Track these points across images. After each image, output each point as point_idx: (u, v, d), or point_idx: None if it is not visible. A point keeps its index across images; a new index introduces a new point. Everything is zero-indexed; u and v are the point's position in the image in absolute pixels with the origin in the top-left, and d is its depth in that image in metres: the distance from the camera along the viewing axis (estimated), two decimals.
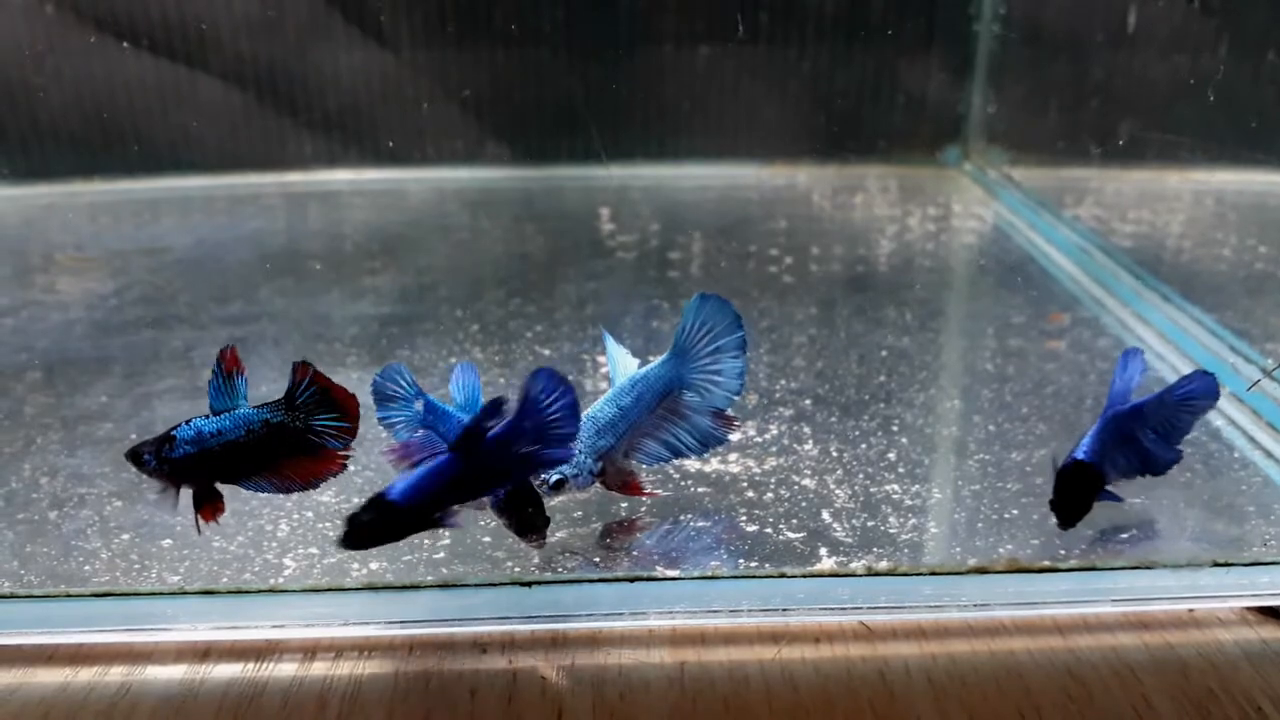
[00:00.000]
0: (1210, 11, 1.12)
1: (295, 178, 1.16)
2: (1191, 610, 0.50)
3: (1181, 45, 1.14)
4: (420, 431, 0.52)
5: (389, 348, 0.74)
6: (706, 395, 0.56)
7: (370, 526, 0.45)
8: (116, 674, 0.47)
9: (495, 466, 0.47)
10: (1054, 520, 0.51)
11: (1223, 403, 0.64)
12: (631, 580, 0.49)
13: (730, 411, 0.56)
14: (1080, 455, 0.51)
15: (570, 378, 0.47)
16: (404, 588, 0.49)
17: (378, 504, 0.46)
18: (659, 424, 0.56)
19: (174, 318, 0.81)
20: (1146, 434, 0.53)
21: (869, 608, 0.49)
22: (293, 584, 0.50)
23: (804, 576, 0.49)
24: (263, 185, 1.14)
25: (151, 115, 1.16)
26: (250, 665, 0.48)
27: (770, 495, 0.56)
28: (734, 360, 0.56)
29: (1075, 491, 0.50)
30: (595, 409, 0.55)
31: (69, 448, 0.62)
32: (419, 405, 0.52)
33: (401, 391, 0.53)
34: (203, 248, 0.97)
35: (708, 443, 0.56)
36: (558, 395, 0.46)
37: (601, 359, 0.70)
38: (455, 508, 0.47)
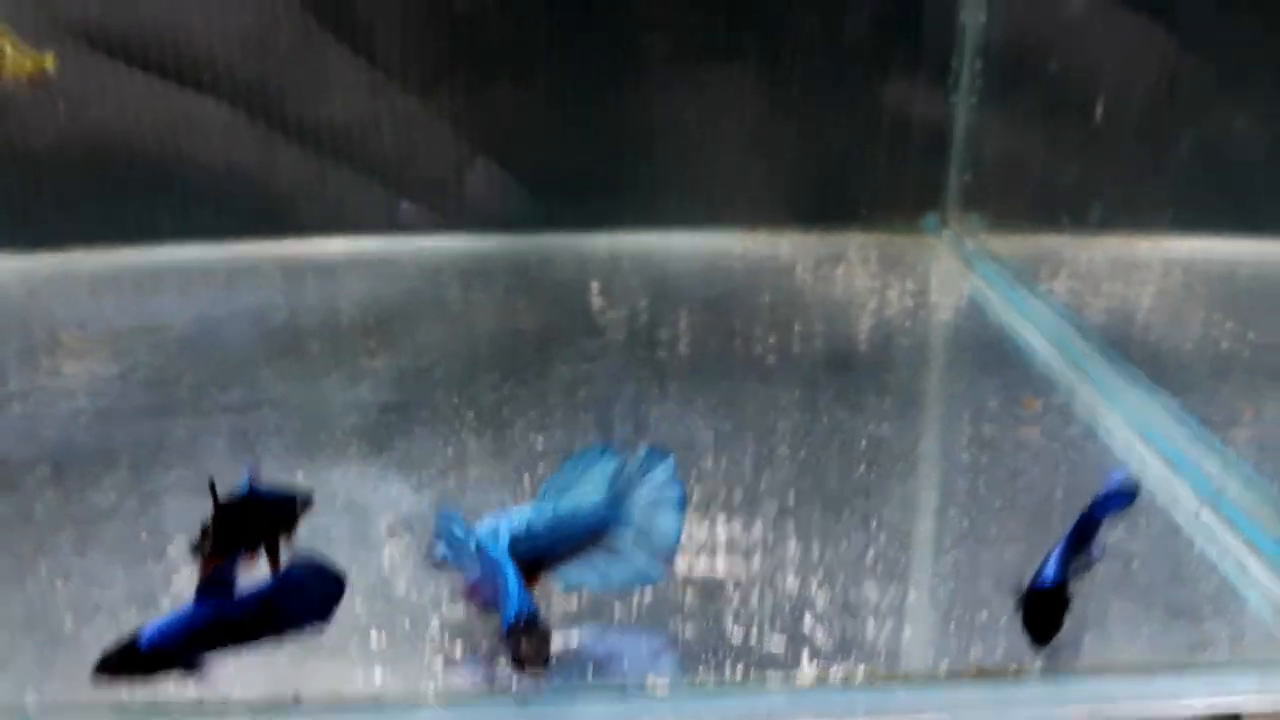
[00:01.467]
0: (1179, 85, 1.16)
1: (292, 248, 1.19)
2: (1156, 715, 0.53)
3: (1152, 117, 1.18)
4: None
5: (388, 438, 0.77)
6: (642, 539, 0.57)
7: (113, 663, 0.50)
8: None
9: (245, 620, 0.51)
10: (1025, 632, 0.54)
11: (1183, 501, 0.67)
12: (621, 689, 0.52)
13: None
14: (1049, 576, 0.54)
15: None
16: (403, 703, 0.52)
17: (125, 644, 0.50)
18: (586, 550, 0.56)
19: (177, 404, 0.83)
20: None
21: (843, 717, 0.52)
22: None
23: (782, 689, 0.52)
24: (260, 255, 1.17)
25: (150, 182, 1.19)
26: None
27: (752, 598, 0.58)
28: (672, 516, 0.57)
29: (1049, 614, 0.53)
30: (523, 511, 0.56)
31: (80, 549, 0.64)
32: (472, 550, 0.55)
33: (458, 541, 0.55)
34: (203, 324, 0.99)
35: (637, 580, 0.57)
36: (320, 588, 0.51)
37: None
38: (204, 655, 0.51)
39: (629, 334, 0.97)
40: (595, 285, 1.09)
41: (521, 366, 0.89)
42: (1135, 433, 0.76)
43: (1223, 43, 1.14)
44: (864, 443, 0.75)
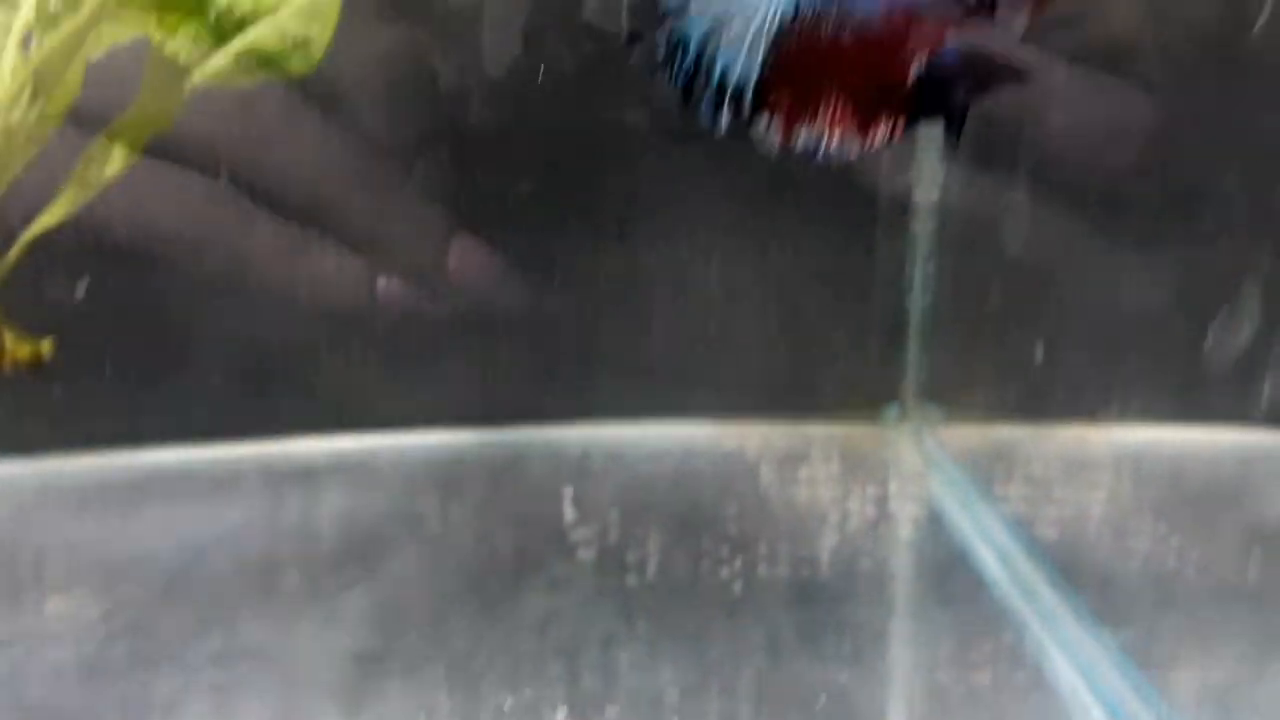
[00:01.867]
0: (1125, 277, 1.22)
1: (273, 450, 1.22)
2: None
3: (1100, 308, 1.24)
4: None
5: (363, 697, 0.79)
6: None
7: None
8: None
9: None
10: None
11: None
12: None
13: None
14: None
15: None
16: None
17: None
18: None
19: (161, 655, 0.86)
20: None
21: None
22: None
23: None
24: (242, 461, 1.20)
25: (131, 387, 1.23)
26: None
27: None
28: None
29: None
30: None
31: None
32: None
33: None
34: (184, 554, 1.02)
35: None
36: None
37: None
38: None
39: (599, 553, 1.01)
40: (568, 493, 1.12)
41: (494, 600, 0.92)
42: (1081, 678, 0.79)
43: (1166, 244, 1.20)
44: (823, 699, 0.78)
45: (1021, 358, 1.25)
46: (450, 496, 1.14)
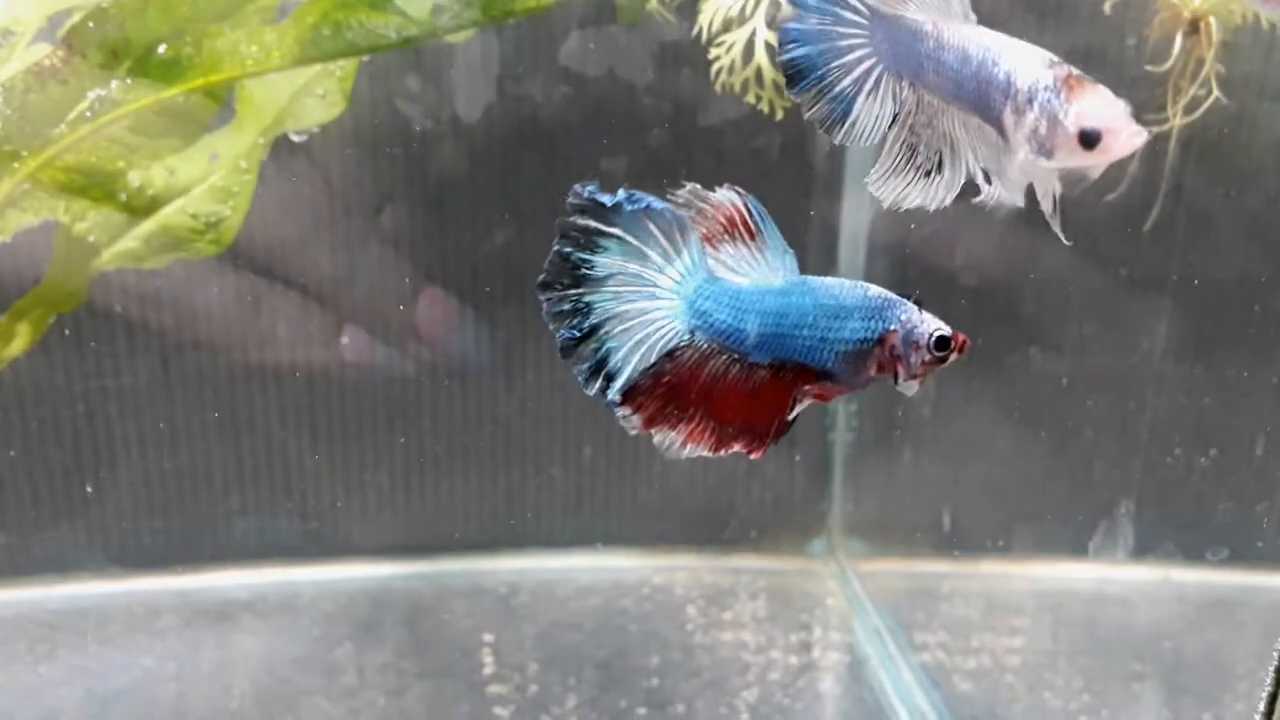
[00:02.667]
0: (1035, 412, 1.25)
1: (193, 584, 1.20)
2: None
3: (1012, 444, 1.27)
4: None
5: None
6: None
7: None
8: None
9: None
10: None
11: None
12: None
13: None
14: None
15: None
16: None
17: None
18: None
19: None
20: None
21: None
22: None
23: None
24: (160, 596, 1.18)
25: (55, 513, 1.20)
26: None
27: None
28: None
29: None
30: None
31: None
32: None
33: None
34: (90, 706, 0.99)
35: None
36: None
37: None
38: None
39: (515, 712, 0.99)
40: (489, 640, 1.11)
41: None
42: None
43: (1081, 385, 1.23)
44: None
45: (941, 493, 1.27)
46: (368, 643, 1.12)
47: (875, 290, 0.48)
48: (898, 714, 0.98)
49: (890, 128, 0.51)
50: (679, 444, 0.49)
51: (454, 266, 1.19)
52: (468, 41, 1.02)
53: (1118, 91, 0.48)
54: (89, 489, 1.19)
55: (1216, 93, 0.78)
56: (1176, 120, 0.79)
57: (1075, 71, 0.47)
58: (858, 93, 0.50)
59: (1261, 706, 0.52)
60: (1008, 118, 0.47)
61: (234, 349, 1.17)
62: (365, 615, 1.17)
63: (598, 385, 0.48)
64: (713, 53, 0.79)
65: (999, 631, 1.12)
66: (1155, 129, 0.79)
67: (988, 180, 0.50)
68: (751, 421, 0.48)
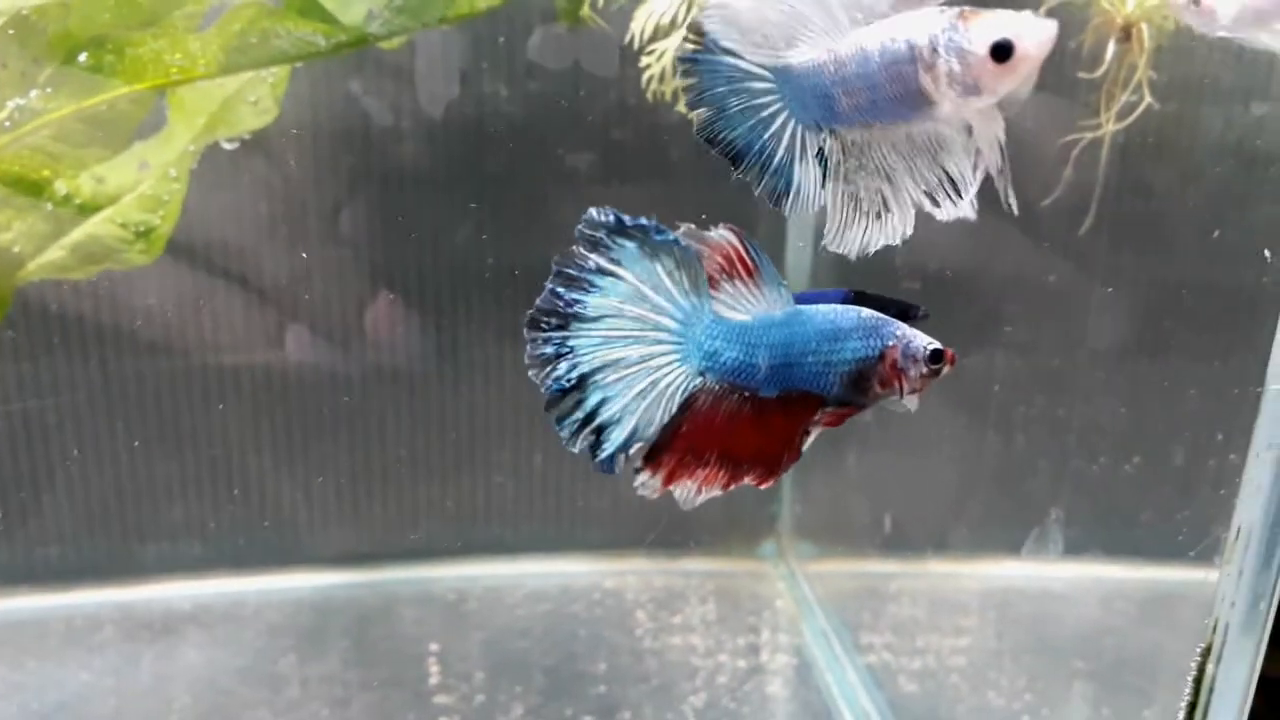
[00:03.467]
0: (978, 414, 1.26)
1: (135, 596, 1.18)
2: None
3: (955, 446, 1.27)
4: None
5: None
6: None
7: None
8: None
9: None
10: None
11: None
12: None
13: None
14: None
15: None
16: None
17: None
18: None
19: None
20: None
21: None
22: None
23: None
24: (101, 609, 1.16)
25: None
26: None
27: None
28: None
29: None
30: None
31: None
32: None
33: None
34: None
35: None
36: None
37: None
38: None
39: None
40: (434, 648, 1.10)
41: None
42: None
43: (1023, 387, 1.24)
44: None
45: (887, 494, 1.28)
46: (313, 653, 1.10)
47: (866, 312, 0.49)
48: (842, 716, 0.98)
49: (823, 186, 0.50)
50: (694, 493, 0.48)
51: (405, 268, 1.18)
52: (429, 36, 1.00)
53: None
54: (27, 500, 1.17)
55: (1149, 99, 0.78)
56: (1110, 126, 0.79)
57: (966, 7, 0.47)
58: (792, 160, 0.50)
59: (1181, 717, 0.53)
60: (924, 80, 0.47)
61: (175, 355, 1.16)
62: (311, 625, 1.15)
63: (586, 442, 0.47)
64: (643, 61, 0.78)
65: (944, 631, 1.12)
66: (1090, 135, 0.80)
67: (935, 203, 0.50)
68: (764, 454, 0.48)
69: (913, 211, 0.50)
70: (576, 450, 0.47)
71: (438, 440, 1.23)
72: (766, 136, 0.50)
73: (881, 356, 0.48)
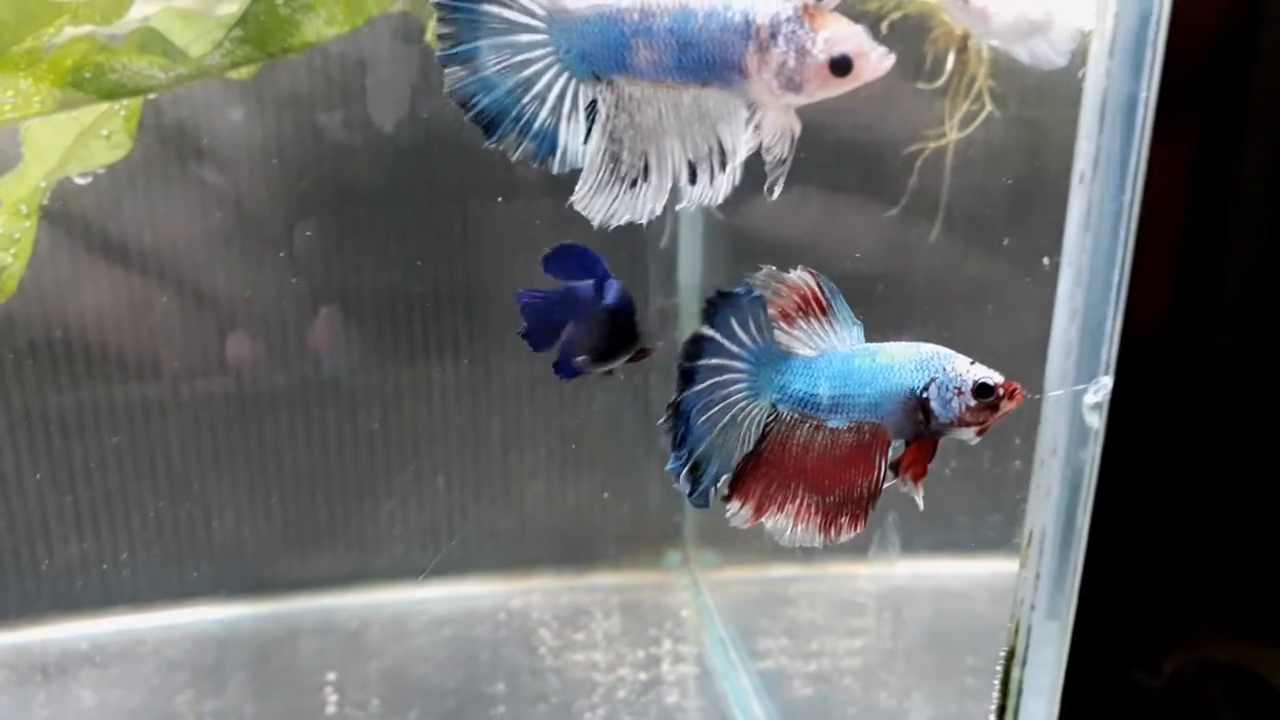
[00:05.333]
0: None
1: (27, 638, 1.16)
2: None
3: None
4: None
5: None
6: None
7: None
8: None
9: None
10: None
11: None
12: None
13: None
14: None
15: None
16: None
17: None
18: None
19: None
20: None
21: None
22: None
23: None
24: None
25: None
26: None
27: None
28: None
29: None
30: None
31: None
32: None
33: None
34: None
35: None
36: None
37: None
38: None
39: None
40: (332, 678, 1.10)
41: None
42: None
43: None
44: None
45: None
46: (209, 689, 1.09)
47: (930, 347, 0.51)
48: None
49: (586, 141, 0.48)
50: (790, 528, 0.50)
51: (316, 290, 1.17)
52: (377, 52, 1.00)
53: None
54: None
55: (990, 107, 0.81)
56: (953, 135, 0.82)
57: (811, 2, 0.46)
58: (558, 120, 0.48)
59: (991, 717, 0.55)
60: (750, 59, 0.46)
61: (65, 388, 1.14)
62: (209, 660, 1.14)
63: (686, 483, 0.51)
64: None
65: (839, 633, 1.14)
66: (934, 144, 0.82)
67: (692, 180, 0.49)
68: (849, 489, 0.50)
69: (669, 185, 0.49)
70: (688, 495, 0.52)
71: (338, 466, 1.23)
72: (527, 100, 0.48)
73: (926, 389, 0.50)
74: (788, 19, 0.46)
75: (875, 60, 0.46)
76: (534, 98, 0.48)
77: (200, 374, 1.17)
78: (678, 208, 0.49)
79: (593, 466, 1.28)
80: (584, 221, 1.33)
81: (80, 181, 0.79)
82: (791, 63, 0.46)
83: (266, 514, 1.21)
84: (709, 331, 0.49)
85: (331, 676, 1.09)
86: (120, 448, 1.17)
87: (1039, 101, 0.80)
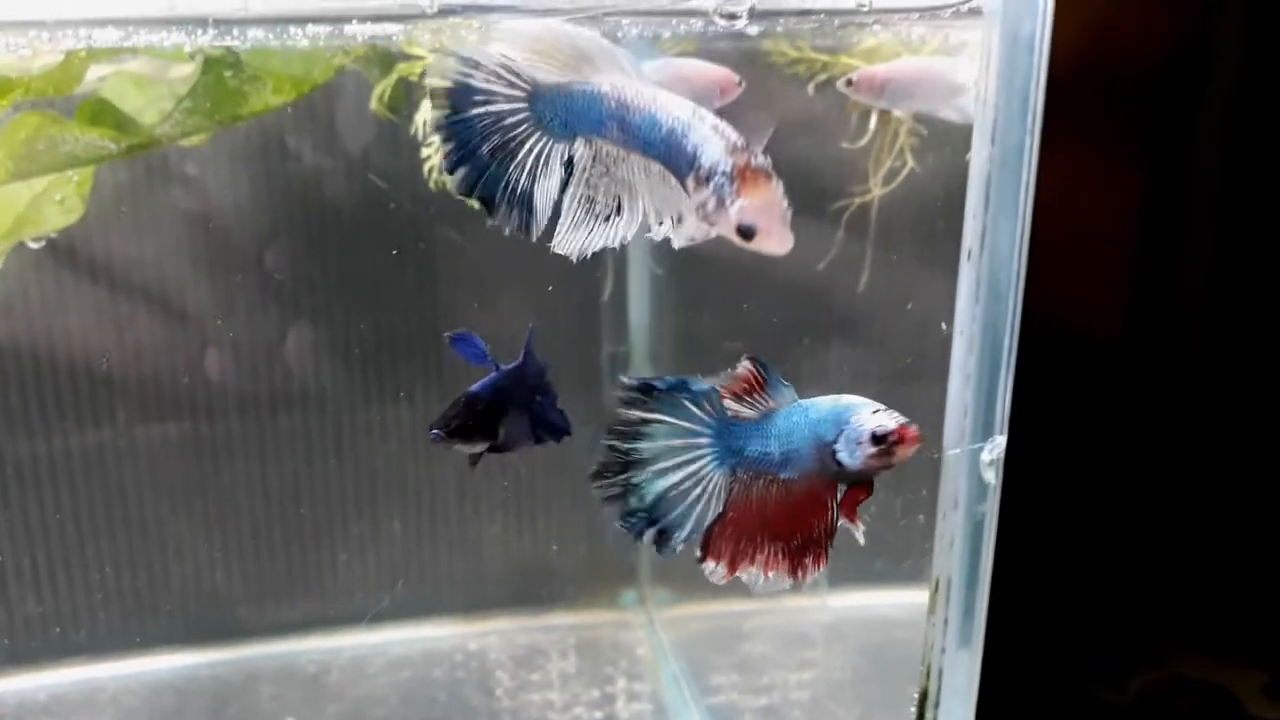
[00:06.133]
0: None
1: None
2: None
3: None
4: None
5: None
6: None
7: None
8: None
9: None
10: None
11: None
12: None
13: None
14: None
15: None
16: None
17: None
18: None
19: None
20: None
21: None
22: None
23: None
24: None
25: None
26: None
27: None
28: None
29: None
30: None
31: None
32: None
33: None
34: None
35: None
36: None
37: None
38: None
39: None
40: None
41: None
42: None
43: None
44: None
45: None
46: None
47: (848, 399, 0.56)
48: None
49: (564, 191, 0.54)
50: (761, 578, 0.55)
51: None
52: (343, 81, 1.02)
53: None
54: None
55: (911, 163, 0.85)
56: (877, 190, 0.86)
57: (755, 162, 0.51)
58: (534, 183, 0.54)
59: None
60: (689, 183, 0.52)
61: (19, 439, 1.15)
62: (169, 706, 1.15)
63: (650, 539, 0.57)
64: (423, 153, 0.83)
65: (789, 666, 1.17)
66: (859, 199, 0.86)
67: (659, 221, 0.55)
68: (808, 532, 0.55)
69: (639, 220, 0.55)
70: (640, 541, 0.57)
71: (293, 510, 1.24)
72: (512, 166, 0.54)
73: (835, 440, 0.54)
74: (722, 172, 0.51)
75: (775, 242, 0.51)
76: (516, 165, 0.54)
77: (156, 421, 1.18)
78: (646, 236, 0.54)
79: (548, 509, 1.31)
80: (542, 265, 1.36)
81: (34, 246, 0.81)
82: (711, 206, 0.51)
83: (224, 561, 1.23)
84: (661, 417, 0.56)
85: None
86: (76, 496, 1.19)
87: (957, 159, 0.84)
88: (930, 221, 0.88)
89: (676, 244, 0.55)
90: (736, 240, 0.52)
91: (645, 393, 0.56)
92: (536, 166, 0.54)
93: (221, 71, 0.71)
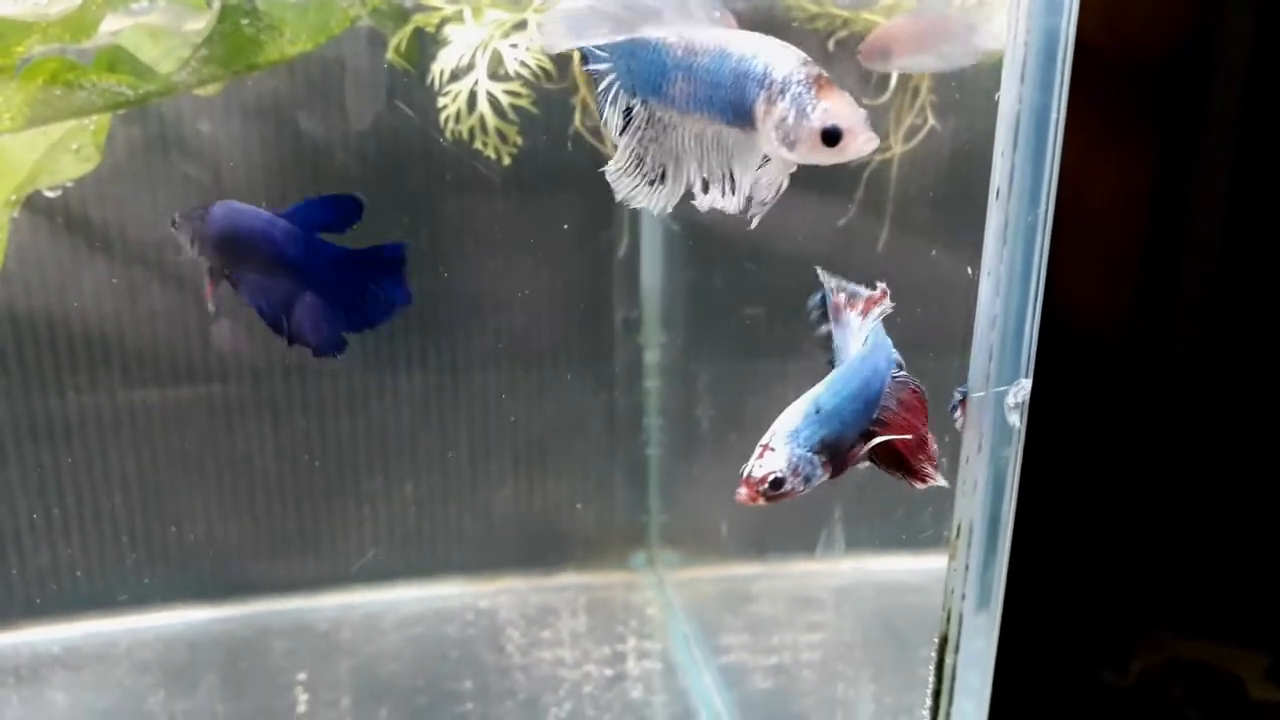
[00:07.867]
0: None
1: (2, 641, 1.17)
2: None
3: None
4: None
5: None
6: None
7: None
8: None
9: None
10: None
11: None
12: None
13: None
14: None
15: None
16: None
17: None
18: None
19: None
20: None
21: None
22: None
23: None
24: None
25: None
26: None
27: None
28: None
29: None
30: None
31: None
32: None
33: None
34: None
35: None
36: None
37: None
38: None
39: None
40: (303, 677, 1.12)
41: None
42: None
43: None
44: None
45: (727, 500, 1.32)
46: (181, 690, 1.11)
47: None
48: (697, 716, 1.02)
49: (621, 134, 0.55)
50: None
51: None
52: (356, 49, 1.01)
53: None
54: None
55: (932, 121, 0.84)
56: (898, 148, 0.85)
57: (825, 74, 0.51)
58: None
59: (927, 703, 0.58)
60: (760, 106, 0.51)
61: (34, 392, 1.15)
62: (182, 661, 1.16)
63: None
64: (440, 102, 0.82)
65: (798, 628, 1.17)
66: (880, 156, 0.85)
67: (704, 190, 0.55)
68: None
69: (682, 191, 0.55)
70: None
71: (307, 471, 1.25)
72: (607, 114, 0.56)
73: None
74: (798, 81, 0.50)
75: (862, 141, 0.50)
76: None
77: (170, 380, 1.19)
78: (691, 202, 0.55)
79: (559, 471, 1.31)
80: (552, 225, 1.35)
81: (50, 195, 0.81)
82: (790, 120, 0.50)
83: (237, 518, 1.23)
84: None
85: (302, 676, 1.11)
86: (91, 453, 1.19)
87: (976, 116, 0.83)
88: (951, 182, 0.87)
89: (729, 209, 0.55)
90: (818, 155, 0.50)
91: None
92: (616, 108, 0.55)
93: (238, 19, 0.71)
